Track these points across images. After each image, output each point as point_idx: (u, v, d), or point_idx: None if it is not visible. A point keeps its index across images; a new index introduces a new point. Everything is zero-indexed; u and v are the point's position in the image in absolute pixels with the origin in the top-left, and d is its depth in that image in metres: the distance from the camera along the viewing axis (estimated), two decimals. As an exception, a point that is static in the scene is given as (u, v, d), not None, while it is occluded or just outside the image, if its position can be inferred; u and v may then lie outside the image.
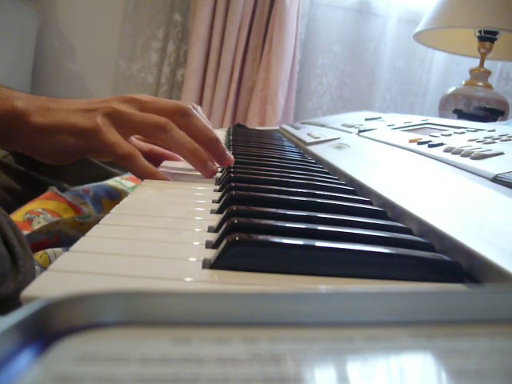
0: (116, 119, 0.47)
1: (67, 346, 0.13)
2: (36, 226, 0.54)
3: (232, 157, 0.52)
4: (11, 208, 0.61)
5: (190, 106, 0.51)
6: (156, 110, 0.49)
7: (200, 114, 0.53)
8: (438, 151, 0.47)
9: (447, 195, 0.36)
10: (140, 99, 0.50)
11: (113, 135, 0.47)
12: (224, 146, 0.52)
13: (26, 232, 0.51)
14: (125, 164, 0.48)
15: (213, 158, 0.52)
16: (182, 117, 0.50)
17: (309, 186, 0.43)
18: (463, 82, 1.32)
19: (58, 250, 0.43)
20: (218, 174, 0.52)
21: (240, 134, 0.99)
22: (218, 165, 0.52)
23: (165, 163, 0.59)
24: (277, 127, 1.29)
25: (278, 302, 0.15)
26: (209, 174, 0.50)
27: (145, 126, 0.48)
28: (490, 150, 0.42)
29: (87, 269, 0.22)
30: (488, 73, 1.31)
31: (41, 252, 0.42)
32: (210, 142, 0.50)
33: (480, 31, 1.27)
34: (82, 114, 0.47)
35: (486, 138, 0.48)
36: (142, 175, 0.48)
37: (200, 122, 0.50)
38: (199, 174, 0.52)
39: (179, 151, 0.51)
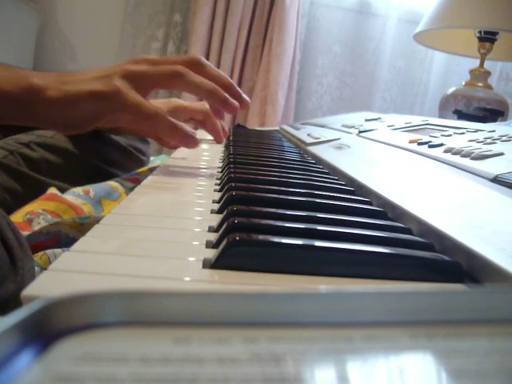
0: (134, 79, 0.49)
1: (67, 346, 0.13)
2: (36, 227, 0.54)
3: (248, 99, 0.55)
4: (11, 209, 0.61)
5: (201, 57, 0.53)
6: (169, 64, 0.51)
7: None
8: (438, 152, 0.47)
9: (447, 195, 0.36)
10: (151, 58, 0.52)
11: (136, 96, 0.48)
12: (239, 90, 0.54)
13: (25, 233, 0.51)
14: (152, 122, 0.49)
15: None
16: (196, 66, 0.51)
17: (309, 186, 0.43)
18: (463, 83, 1.32)
19: (58, 250, 0.43)
20: (218, 175, 0.52)
21: (240, 134, 0.99)
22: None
23: (169, 159, 0.59)
24: (277, 127, 1.29)
25: (278, 301, 0.15)
26: (232, 111, 0.53)
27: (162, 77, 0.50)
28: (490, 151, 0.42)
29: (87, 269, 0.22)
30: (488, 73, 1.31)
31: (41, 253, 0.42)
32: (225, 87, 0.52)
33: (480, 32, 1.27)
34: (99, 80, 0.48)
35: (486, 138, 0.48)
36: (170, 132, 0.49)
37: (213, 70, 0.53)
38: (199, 173, 0.52)
39: (199, 93, 0.52)
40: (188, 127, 0.52)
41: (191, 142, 0.52)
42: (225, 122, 2.03)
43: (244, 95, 0.54)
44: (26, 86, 0.46)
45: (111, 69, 0.50)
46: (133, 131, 0.79)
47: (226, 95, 0.52)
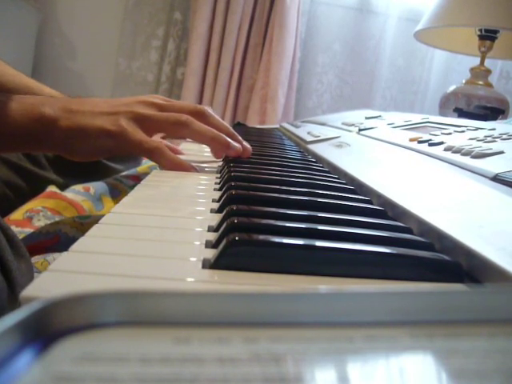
0: (140, 121, 0.51)
1: (67, 346, 0.13)
2: (36, 223, 0.54)
3: (250, 147, 0.58)
4: (13, 203, 0.61)
5: (207, 107, 0.56)
6: (176, 112, 0.54)
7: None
8: (438, 150, 0.47)
9: (447, 194, 0.36)
10: (159, 103, 0.55)
11: (139, 134, 0.50)
12: (241, 138, 0.57)
13: (26, 230, 0.51)
14: (153, 157, 0.52)
15: None
16: (201, 117, 0.54)
17: (309, 185, 0.43)
18: (463, 81, 1.32)
19: (58, 255, 0.44)
20: (218, 173, 0.52)
21: (240, 132, 0.98)
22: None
23: None
24: (277, 126, 1.29)
25: (278, 301, 0.15)
26: (235, 154, 0.55)
27: (167, 124, 0.53)
28: (491, 149, 0.42)
29: (87, 269, 0.22)
30: (488, 71, 1.31)
31: (41, 260, 0.42)
32: (228, 136, 0.55)
33: (480, 30, 1.27)
34: (107, 117, 0.50)
35: (486, 136, 0.48)
36: (170, 166, 0.52)
37: (217, 120, 0.56)
38: (199, 172, 0.52)
39: (203, 141, 0.56)
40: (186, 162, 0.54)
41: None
42: (225, 121, 2.04)
43: (245, 143, 0.57)
44: (37, 118, 0.48)
45: (119, 106, 0.52)
46: None
47: (229, 139, 0.55)
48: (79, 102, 0.52)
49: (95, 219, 0.31)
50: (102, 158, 0.55)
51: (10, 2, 1.71)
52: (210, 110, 0.56)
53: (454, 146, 0.46)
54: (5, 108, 0.47)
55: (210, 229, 0.30)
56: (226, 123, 0.58)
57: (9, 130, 0.48)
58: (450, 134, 0.54)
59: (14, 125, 0.47)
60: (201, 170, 0.54)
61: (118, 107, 0.52)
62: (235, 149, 0.55)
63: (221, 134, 0.54)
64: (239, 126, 1.24)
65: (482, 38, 1.27)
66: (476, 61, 1.32)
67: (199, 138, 0.55)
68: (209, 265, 0.24)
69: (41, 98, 0.51)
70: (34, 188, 0.66)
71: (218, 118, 0.57)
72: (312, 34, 2.08)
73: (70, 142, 0.50)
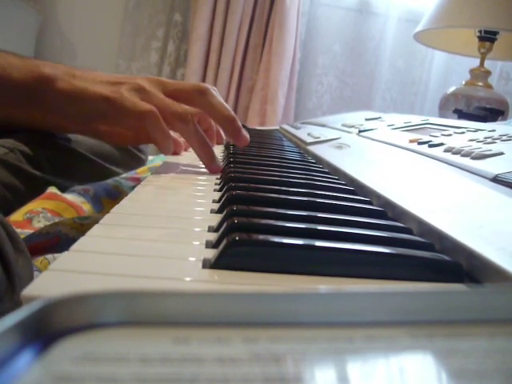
0: (141, 94, 0.49)
1: (67, 346, 0.13)
2: (36, 225, 0.54)
3: (248, 136, 0.54)
4: (12, 206, 0.61)
5: (209, 87, 0.53)
6: (177, 90, 0.52)
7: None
8: (438, 151, 0.47)
9: (447, 195, 0.36)
10: (163, 81, 0.53)
11: (135, 99, 0.48)
12: (240, 124, 0.54)
13: (26, 231, 0.51)
14: (146, 122, 0.49)
15: (229, 136, 0.54)
16: (201, 95, 0.52)
17: (309, 185, 0.43)
18: (463, 82, 1.32)
19: (59, 255, 0.44)
20: (218, 175, 0.52)
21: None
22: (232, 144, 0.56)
23: (169, 159, 0.59)
24: (277, 127, 1.29)
25: (278, 301, 0.15)
26: (213, 170, 0.52)
27: (165, 111, 0.50)
28: (490, 150, 0.42)
29: (87, 269, 0.22)
30: (488, 73, 1.31)
31: (41, 258, 0.42)
32: (225, 120, 0.52)
33: (480, 31, 1.27)
34: (108, 85, 0.49)
35: (486, 137, 0.48)
36: (161, 137, 0.49)
37: (217, 100, 0.52)
38: (199, 172, 0.52)
39: (190, 142, 0.53)
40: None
41: (177, 146, 0.53)
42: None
43: (244, 131, 0.54)
44: (36, 76, 0.47)
45: (123, 78, 0.51)
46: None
47: (213, 154, 0.52)
48: (84, 71, 0.51)
49: (95, 220, 0.31)
50: (96, 124, 0.53)
51: (10, 3, 1.71)
52: (212, 90, 0.53)
53: (453, 148, 0.46)
54: (7, 64, 0.47)
55: (210, 229, 0.30)
56: (227, 105, 0.54)
57: (7, 84, 0.47)
58: (449, 135, 0.54)
59: (13, 80, 0.47)
60: (200, 171, 0.54)
61: (122, 79, 0.51)
62: (215, 166, 0.52)
63: (209, 146, 0.52)
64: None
65: (481, 39, 1.28)
66: (476, 62, 1.33)
67: (187, 137, 0.52)
68: (209, 265, 0.24)
69: (45, 62, 0.51)
70: (34, 190, 0.65)
71: (219, 99, 0.53)
72: (312, 35, 2.08)
73: (66, 104, 0.48)
